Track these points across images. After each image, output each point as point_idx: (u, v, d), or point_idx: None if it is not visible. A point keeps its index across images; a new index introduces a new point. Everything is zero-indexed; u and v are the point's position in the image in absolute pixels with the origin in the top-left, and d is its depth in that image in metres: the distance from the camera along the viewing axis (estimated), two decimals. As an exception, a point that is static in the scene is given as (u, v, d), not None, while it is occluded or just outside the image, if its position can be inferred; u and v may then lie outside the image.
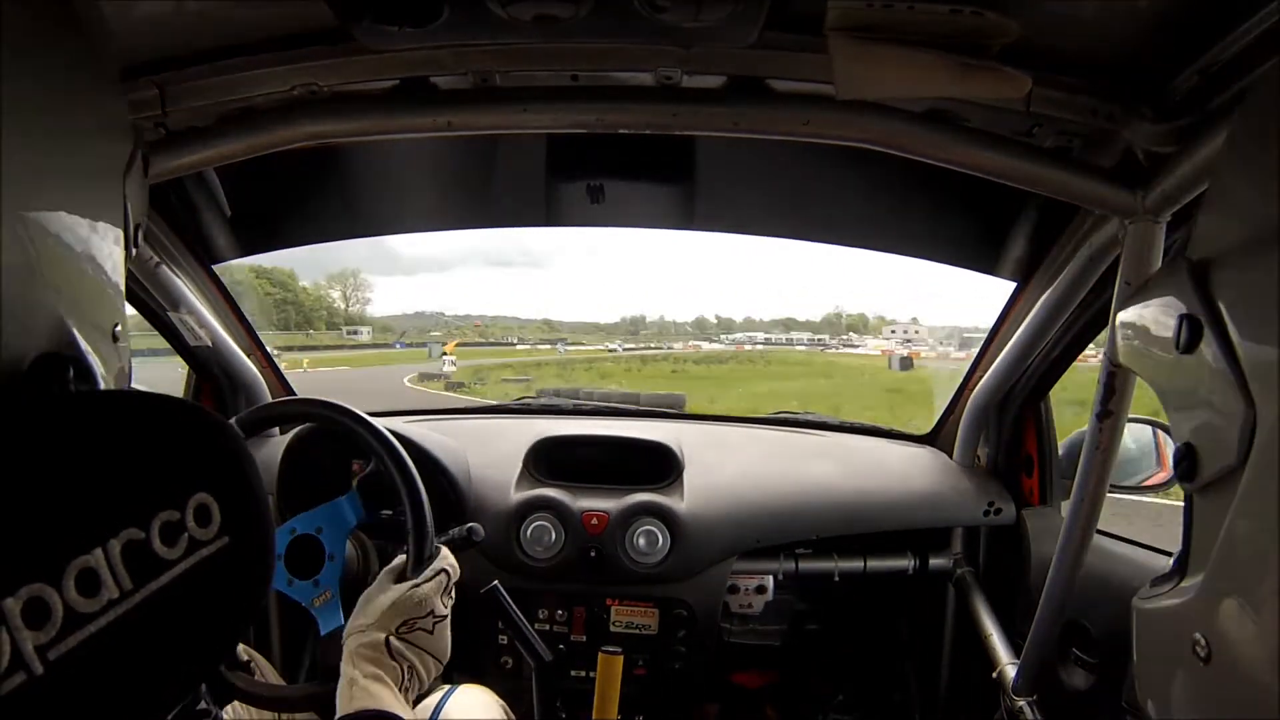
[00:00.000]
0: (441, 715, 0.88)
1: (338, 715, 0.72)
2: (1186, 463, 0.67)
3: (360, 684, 0.73)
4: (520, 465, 1.41)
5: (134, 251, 0.68)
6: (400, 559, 0.84)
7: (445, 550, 0.86)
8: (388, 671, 0.75)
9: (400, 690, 0.75)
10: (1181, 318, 0.66)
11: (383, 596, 0.80)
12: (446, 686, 0.92)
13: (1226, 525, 0.64)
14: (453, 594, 0.85)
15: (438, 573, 0.83)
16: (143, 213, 0.71)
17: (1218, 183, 0.62)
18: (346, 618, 0.85)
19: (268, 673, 0.95)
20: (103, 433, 0.33)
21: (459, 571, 0.86)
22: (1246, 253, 0.59)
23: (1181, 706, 0.67)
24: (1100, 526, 0.94)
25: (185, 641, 0.35)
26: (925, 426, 1.67)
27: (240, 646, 0.95)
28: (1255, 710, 0.52)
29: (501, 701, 1.04)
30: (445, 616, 0.82)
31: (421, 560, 0.83)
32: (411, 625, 0.79)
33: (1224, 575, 0.64)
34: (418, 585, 0.81)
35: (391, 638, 0.78)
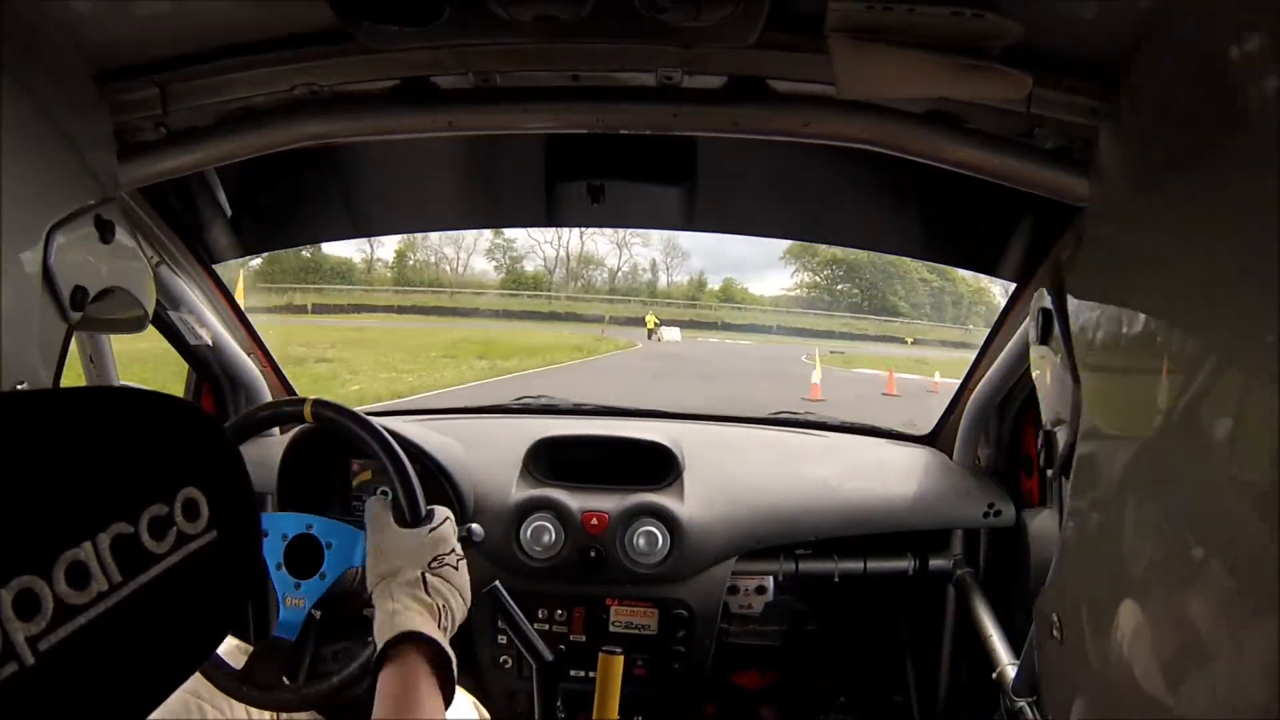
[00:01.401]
0: None
1: (380, 642, 0.72)
2: (1045, 450, 0.73)
3: (403, 614, 0.74)
4: (520, 465, 1.41)
5: (75, 316, 0.67)
6: (380, 504, 0.85)
7: (438, 507, 0.87)
8: (425, 608, 0.76)
9: (439, 627, 0.75)
10: (1040, 310, 0.72)
11: (402, 540, 0.81)
12: None
13: (1067, 509, 0.69)
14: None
15: (445, 517, 0.85)
16: (101, 278, 0.71)
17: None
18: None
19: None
20: (91, 427, 0.33)
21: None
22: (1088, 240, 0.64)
23: (1048, 682, 0.73)
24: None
25: (174, 634, 0.36)
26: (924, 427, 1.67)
27: (236, 644, 0.96)
28: (1101, 681, 0.56)
29: (472, 697, 1.04)
30: (464, 556, 0.84)
31: (419, 513, 0.84)
32: (440, 561, 0.81)
33: (1069, 555, 0.70)
34: (435, 527, 0.83)
35: (427, 573, 0.79)
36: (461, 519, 1.30)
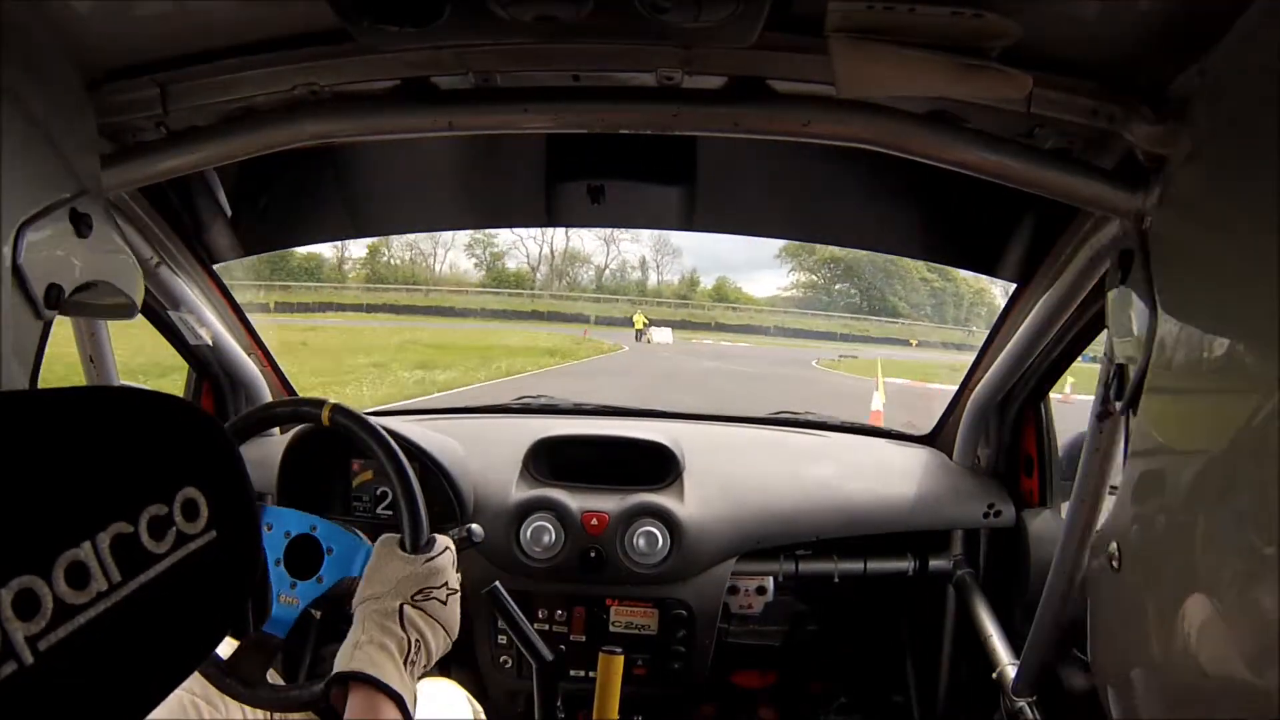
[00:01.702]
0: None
1: (333, 672, 0.72)
2: (1117, 382, 0.76)
3: (363, 648, 0.73)
4: (520, 465, 1.41)
5: (50, 315, 0.66)
6: (394, 535, 0.84)
7: (441, 537, 0.87)
8: (394, 640, 0.75)
9: (405, 663, 0.74)
10: (1120, 252, 0.77)
11: (394, 566, 0.80)
12: None
13: (1132, 446, 0.74)
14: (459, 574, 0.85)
15: (445, 548, 0.84)
16: (77, 274, 0.69)
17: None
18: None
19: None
20: (91, 427, 0.34)
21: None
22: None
23: (1102, 607, 0.79)
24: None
25: (173, 634, 0.36)
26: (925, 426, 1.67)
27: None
28: (1158, 617, 0.59)
29: (466, 693, 1.04)
30: (457, 590, 0.83)
31: (419, 541, 0.83)
32: (426, 594, 0.79)
33: (1130, 487, 0.73)
34: (432, 558, 0.81)
35: (406, 605, 0.77)
36: (461, 519, 1.31)
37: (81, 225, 0.68)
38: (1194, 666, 0.50)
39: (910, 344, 30.90)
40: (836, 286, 38.17)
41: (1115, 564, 0.72)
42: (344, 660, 0.73)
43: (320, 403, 0.89)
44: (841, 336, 31.47)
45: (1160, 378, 0.68)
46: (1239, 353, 0.53)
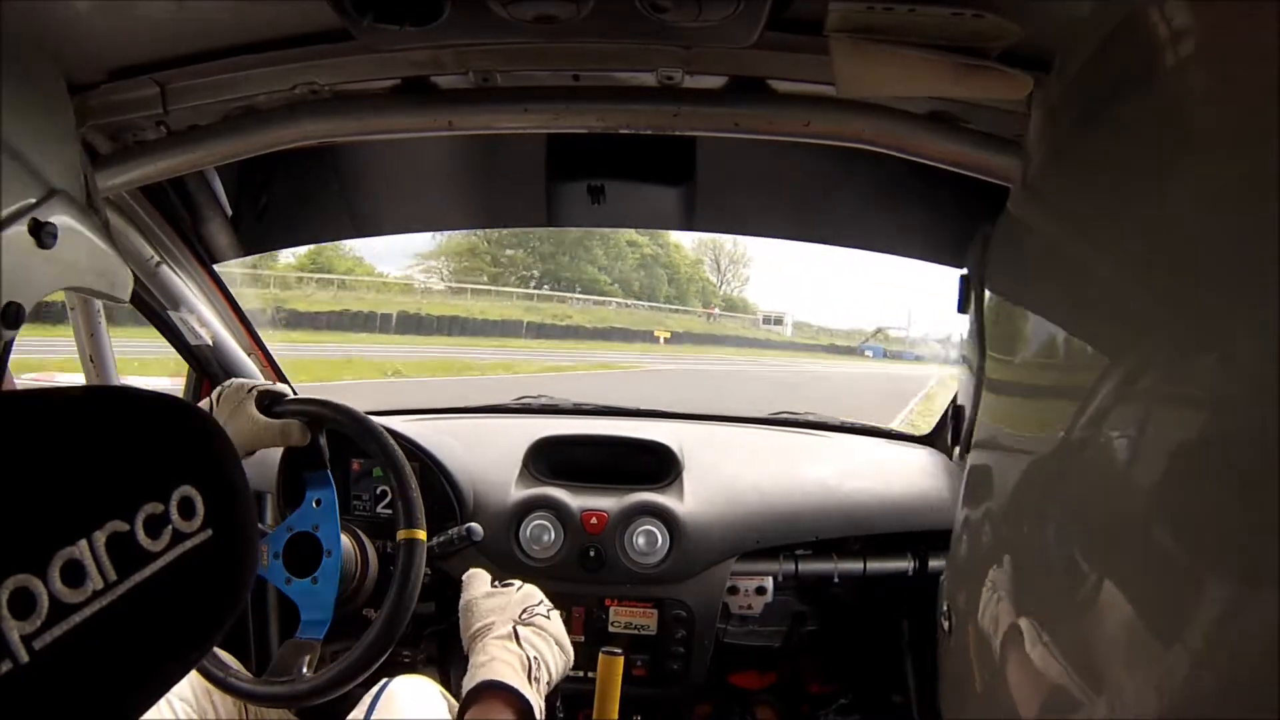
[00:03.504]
0: (380, 704, 0.87)
1: (464, 691, 0.73)
2: (954, 423, 0.70)
3: (489, 666, 0.74)
4: (519, 465, 1.41)
5: (10, 334, 0.62)
6: (479, 571, 0.91)
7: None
8: (516, 659, 0.77)
9: (530, 680, 0.76)
10: (961, 278, 0.69)
11: (493, 597, 0.85)
12: (384, 679, 0.92)
13: (962, 491, 0.67)
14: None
15: (523, 584, 0.90)
16: (40, 288, 0.64)
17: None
18: (338, 611, 0.87)
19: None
20: (87, 425, 0.34)
21: None
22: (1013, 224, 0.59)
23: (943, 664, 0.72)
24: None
25: (170, 632, 0.36)
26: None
27: (227, 657, 0.96)
28: (983, 671, 0.53)
29: (443, 689, 1.04)
30: (554, 608, 0.87)
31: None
32: (531, 612, 0.84)
33: (958, 545, 0.68)
34: (521, 587, 0.88)
35: (519, 626, 0.81)
36: (461, 518, 1.31)
37: (43, 235, 0.62)
38: (1023, 673, 0.46)
39: (658, 340, 24.40)
40: (507, 253, 26.62)
41: (947, 625, 0.68)
42: (470, 679, 0.74)
43: (414, 520, 0.91)
44: (531, 329, 22.15)
45: (984, 427, 0.61)
46: (1069, 345, 0.47)
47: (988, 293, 0.63)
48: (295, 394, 1.02)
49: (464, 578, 0.91)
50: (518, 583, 0.90)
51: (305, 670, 0.85)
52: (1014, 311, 0.56)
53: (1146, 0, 0.36)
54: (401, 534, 0.89)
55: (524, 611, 0.83)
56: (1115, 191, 0.39)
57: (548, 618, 0.85)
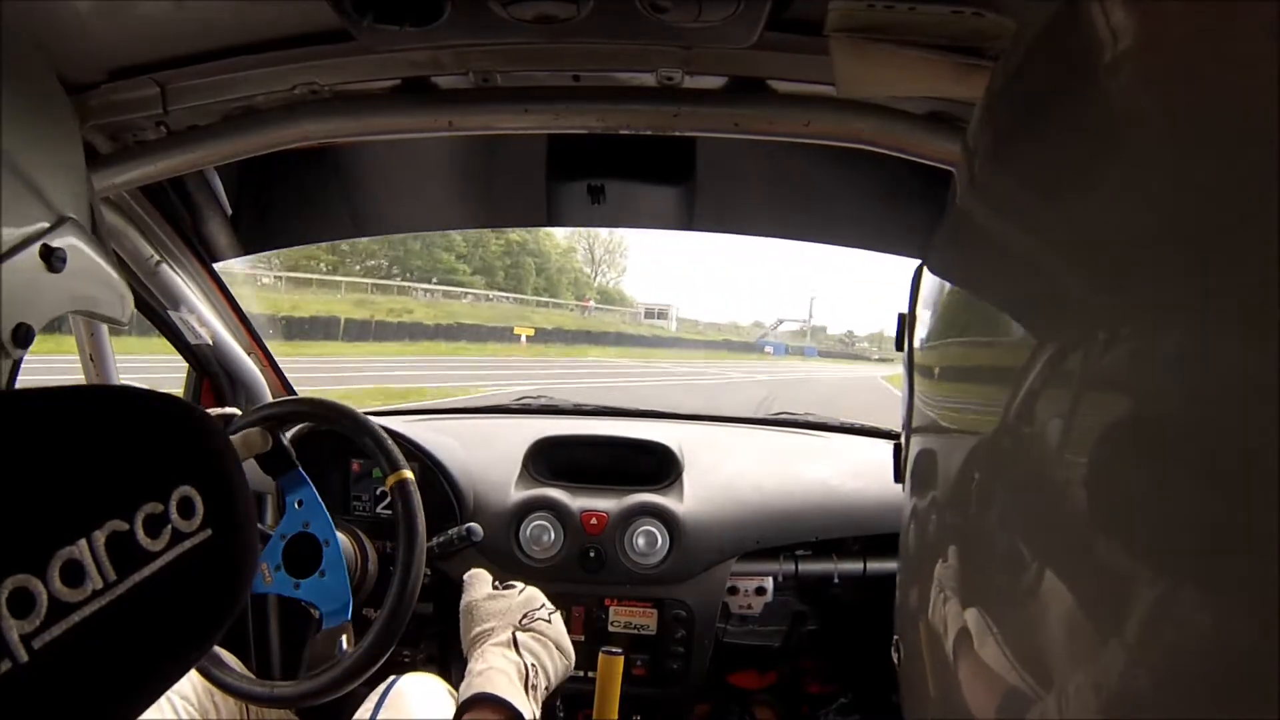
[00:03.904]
0: (387, 702, 0.87)
1: (459, 701, 0.73)
2: (895, 460, 0.70)
3: (484, 674, 0.74)
4: (519, 465, 1.41)
5: (18, 353, 0.62)
6: (480, 571, 0.90)
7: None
8: (513, 666, 0.76)
9: (527, 688, 0.75)
10: (900, 315, 0.69)
11: (493, 601, 0.85)
12: (392, 676, 0.92)
13: (905, 528, 0.66)
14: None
15: (525, 586, 0.89)
16: (48, 310, 0.65)
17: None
18: (354, 605, 0.88)
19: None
20: (86, 425, 0.34)
21: None
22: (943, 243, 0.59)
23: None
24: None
25: (169, 632, 0.36)
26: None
27: (229, 656, 0.96)
28: (936, 670, 0.51)
29: (450, 688, 1.04)
30: (556, 610, 0.87)
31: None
32: (531, 617, 0.83)
33: (904, 574, 0.67)
34: (524, 589, 0.87)
35: (517, 631, 0.81)
36: (461, 519, 1.31)
37: (54, 260, 0.64)
38: (970, 666, 0.45)
39: (519, 339, 20.83)
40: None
41: (896, 658, 0.66)
42: (465, 690, 0.73)
43: (396, 463, 0.92)
44: (351, 328, 17.90)
45: (920, 415, 0.59)
46: (999, 324, 0.45)
47: (925, 277, 0.62)
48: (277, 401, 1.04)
49: (465, 578, 0.91)
50: (519, 585, 0.89)
51: (345, 648, 0.86)
52: (949, 296, 0.55)
53: None
54: (391, 479, 0.90)
55: (524, 616, 0.83)
56: (1051, 182, 0.39)
57: (549, 621, 0.84)
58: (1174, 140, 0.28)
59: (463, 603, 0.87)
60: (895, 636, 0.66)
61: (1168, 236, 0.27)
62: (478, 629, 0.82)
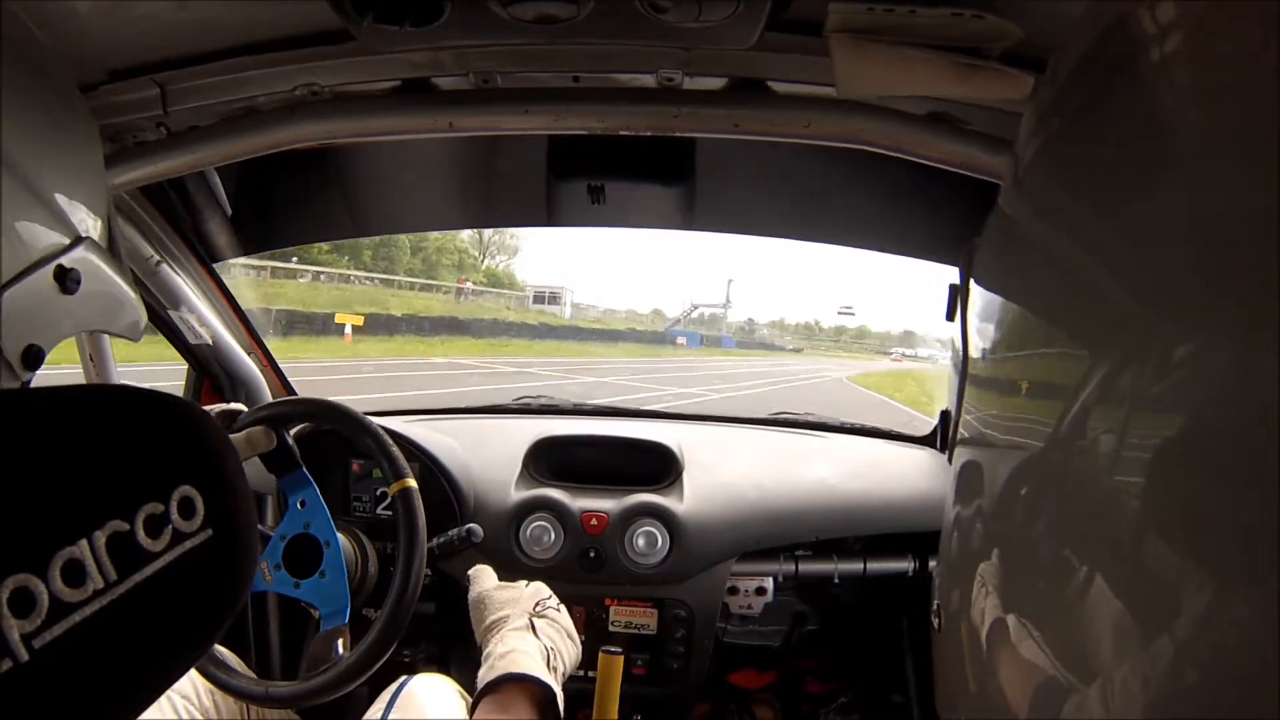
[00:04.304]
0: (398, 703, 0.88)
1: (480, 684, 0.73)
2: (941, 428, 0.71)
3: (507, 657, 0.75)
4: (519, 465, 1.41)
5: (28, 375, 0.61)
6: (485, 567, 0.92)
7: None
8: (535, 649, 0.78)
9: (549, 668, 0.76)
10: (950, 286, 0.69)
11: (503, 591, 0.87)
12: (403, 676, 0.92)
13: (951, 489, 0.67)
14: None
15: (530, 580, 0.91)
16: (61, 331, 0.64)
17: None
18: (353, 605, 0.88)
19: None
20: (87, 425, 0.34)
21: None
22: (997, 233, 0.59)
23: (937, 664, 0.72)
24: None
25: (170, 631, 0.36)
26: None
27: (230, 656, 0.96)
28: (974, 669, 0.53)
29: (461, 689, 1.04)
30: (562, 602, 0.89)
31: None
32: (544, 605, 0.85)
33: (948, 544, 0.68)
34: (529, 581, 0.89)
35: (534, 618, 0.82)
36: (461, 519, 1.31)
37: (68, 281, 0.63)
38: (1014, 666, 0.46)
39: (340, 335, 16.03)
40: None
41: (938, 624, 0.68)
42: (490, 671, 0.74)
43: (401, 471, 0.92)
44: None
45: (968, 426, 0.61)
46: (1053, 342, 0.46)
47: (974, 289, 0.63)
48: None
49: (470, 573, 0.92)
50: (524, 581, 0.91)
51: (341, 651, 0.86)
52: (1001, 309, 0.55)
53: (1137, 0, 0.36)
54: (395, 486, 0.90)
55: (537, 604, 0.84)
56: (1103, 191, 0.39)
57: (559, 610, 0.86)
58: (1227, 149, 0.28)
59: (472, 594, 0.88)
60: (936, 603, 0.68)
61: (1222, 248, 0.27)
62: (492, 617, 0.83)
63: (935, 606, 0.66)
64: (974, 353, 0.61)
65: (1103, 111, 0.39)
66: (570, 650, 0.84)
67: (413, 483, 0.90)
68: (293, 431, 1.27)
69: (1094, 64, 0.43)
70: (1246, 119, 0.27)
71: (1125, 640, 0.31)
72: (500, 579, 0.94)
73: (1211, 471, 0.27)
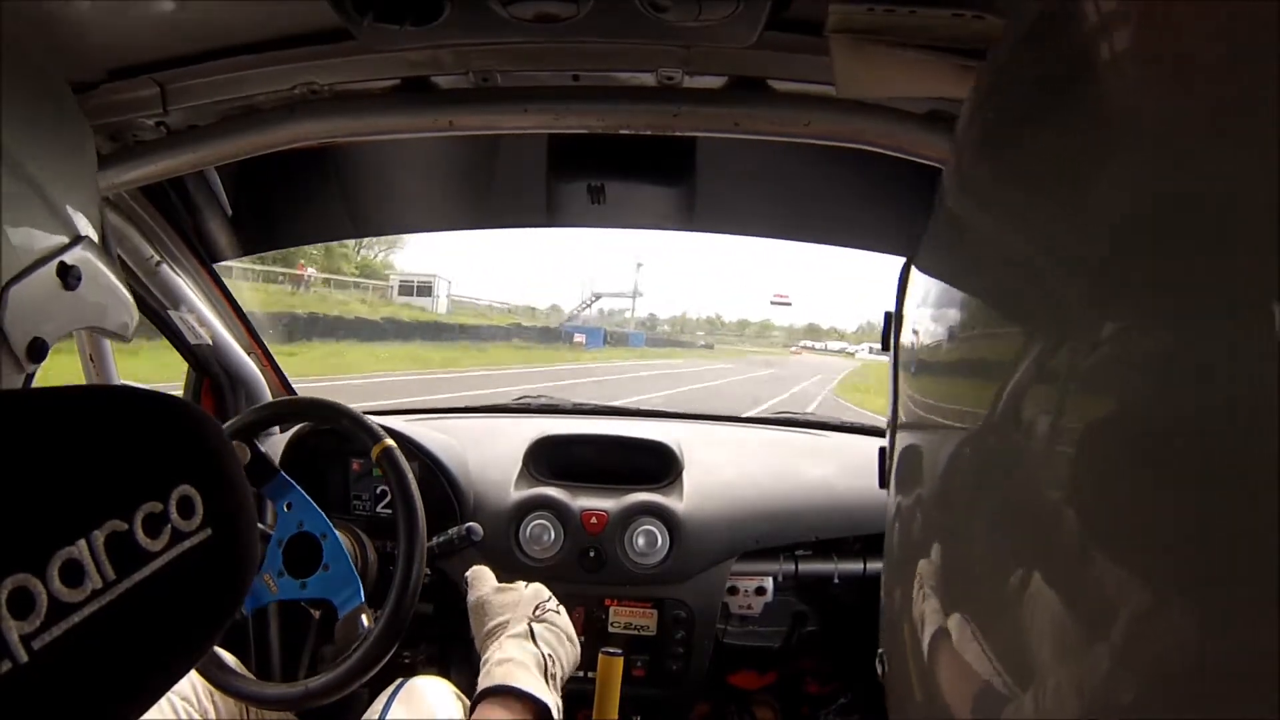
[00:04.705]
0: (397, 701, 0.88)
1: (478, 690, 0.73)
2: (881, 466, 0.70)
3: (503, 665, 0.75)
4: (519, 464, 1.41)
5: (33, 367, 0.63)
6: (483, 568, 0.91)
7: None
8: (531, 658, 0.77)
9: (546, 677, 0.76)
10: (886, 314, 0.68)
11: (503, 594, 0.86)
12: (400, 678, 0.92)
13: (889, 529, 0.66)
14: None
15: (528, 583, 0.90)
16: (63, 325, 0.66)
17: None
18: (364, 580, 0.89)
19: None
20: (86, 425, 0.34)
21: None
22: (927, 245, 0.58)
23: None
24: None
25: (169, 631, 0.36)
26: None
27: (230, 658, 0.96)
28: (919, 671, 0.51)
29: (458, 691, 1.04)
30: (562, 604, 0.89)
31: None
32: (543, 609, 0.85)
33: (889, 576, 0.67)
34: (528, 583, 0.89)
35: (534, 623, 0.82)
36: (461, 518, 1.31)
37: (69, 278, 0.65)
38: (957, 666, 0.45)
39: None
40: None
41: (881, 670, 0.66)
42: (486, 680, 0.74)
43: (378, 437, 0.92)
44: None
45: (907, 411, 0.59)
46: (987, 321, 0.45)
47: (913, 275, 0.62)
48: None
49: (468, 576, 0.91)
50: (522, 583, 0.90)
51: (367, 625, 0.87)
52: (936, 294, 0.54)
53: None
54: (375, 450, 0.90)
55: (537, 608, 0.84)
56: (1039, 180, 0.39)
57: (558, 613, 0.86)
58: (1164, 137, 0.28)
59: (471, 598, 0.88)
60: (880, 649, 0.65)
61: (1154, 236, 0.27)
62: (492, 622, 0.83)
63: (881, 652, 0.65)
64: (908, 339, 0.61)
65: (1042, 96, 0.39)
66: (569, 654, 0.83)
67: (391, 441, 0.91)
68: (289, 435, 1.28)
69: (1033, 49, 0.42)
70: (1189, 104, 0.27)
71: (1061, 642, 0.31)
72: (500, 579, 0.94)
73: (1146, 462, 0.26)
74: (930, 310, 0.54)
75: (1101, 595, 0.28)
